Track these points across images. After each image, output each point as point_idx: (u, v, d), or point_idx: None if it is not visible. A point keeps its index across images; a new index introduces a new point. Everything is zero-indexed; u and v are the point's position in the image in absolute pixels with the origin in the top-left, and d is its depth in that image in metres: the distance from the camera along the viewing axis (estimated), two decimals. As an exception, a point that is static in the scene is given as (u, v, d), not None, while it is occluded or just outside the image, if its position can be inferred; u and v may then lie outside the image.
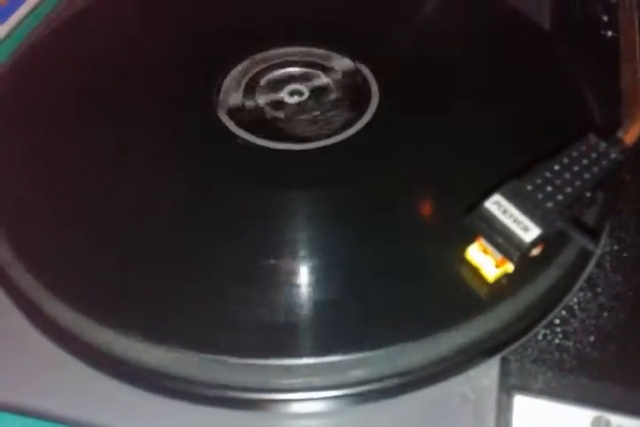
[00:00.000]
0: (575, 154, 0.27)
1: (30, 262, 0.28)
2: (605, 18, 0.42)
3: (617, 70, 0.34)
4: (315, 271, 0.28)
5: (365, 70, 0.36)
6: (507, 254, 0.25)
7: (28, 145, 0.33)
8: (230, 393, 0.25)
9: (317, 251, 0.28)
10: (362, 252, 0.28)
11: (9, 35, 0.42)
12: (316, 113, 0.34)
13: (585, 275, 0.30)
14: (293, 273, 0.27)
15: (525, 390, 0.26)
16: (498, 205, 0.26)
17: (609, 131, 0.30)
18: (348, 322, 0.26)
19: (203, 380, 0.26)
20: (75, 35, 0.39)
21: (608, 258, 0.30)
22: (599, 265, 0.30)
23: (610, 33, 0.41)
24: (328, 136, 0.33)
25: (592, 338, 0.28)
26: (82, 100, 0.35)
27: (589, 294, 0.29)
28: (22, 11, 0.43)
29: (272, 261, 0.28)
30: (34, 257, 0.28)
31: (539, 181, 0.26)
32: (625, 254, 0.30)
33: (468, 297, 0.27)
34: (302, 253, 0.28)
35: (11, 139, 0.34)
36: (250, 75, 0.36)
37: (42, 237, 0.29)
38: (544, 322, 0.28)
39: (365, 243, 0.29)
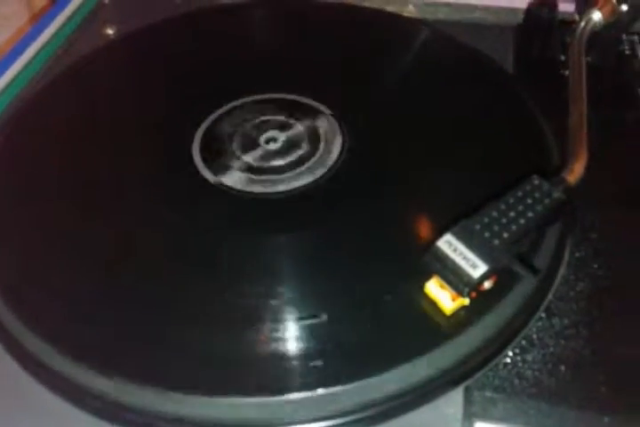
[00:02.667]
0: (520, 194, 0.29)
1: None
2: (563, 58, 0.44)
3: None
4: (278, 311, 0.30)
5: (330, 118, 0.39)
6: (458, 290, 0.28)
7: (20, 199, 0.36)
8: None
9: (288, 291, 0.30)
10: (328, 290, 0.31)
11: (2, 92, 0.45)
12: (289, 159, 0.37)
13: (543, 305, 0.32)
14: (264, 315, 0.30)
15: (486, 417, 0.28)
16: (449, 244, 0.28)
17: (563, 168, 0.32)
18: (312, 358, 0.28)
19: (188, 417, 0.28)
20: (65, 92, 0.43)
21: (565, 288, 0.32)
22: (556, 295, 0.32)
23: (567, 72, 0.44)
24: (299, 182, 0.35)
25: (550, 365, 0.29)
26: (72, 156, 0.38)
27: (547, 324, 0.31)
28: (16, 67, 0.46)
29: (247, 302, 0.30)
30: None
31: (486, 220, 0.29)
32: (581, 284, 0.32)
33: (430, 330, 0.29)
34: (261, 290, 0.30)
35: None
36: (228, 123, 0.39)
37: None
38: (505, 352, 0.30)
39: (331, 281, 0.31)
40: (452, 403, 0.29)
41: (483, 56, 0.44)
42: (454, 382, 0.29)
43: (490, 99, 0.41)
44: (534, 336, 0.31)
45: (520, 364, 0.30)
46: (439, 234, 0.29)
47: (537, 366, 0.29)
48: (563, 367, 0.29)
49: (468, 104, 0.40)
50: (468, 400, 0.29)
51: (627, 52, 0.45)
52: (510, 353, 0.30)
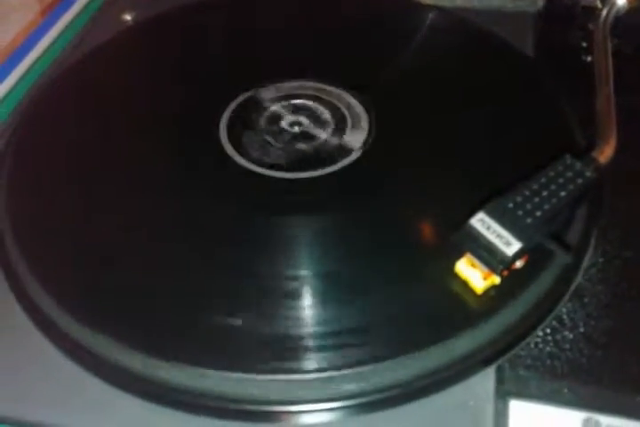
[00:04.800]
0: (552, 173, 0.29)
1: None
2: (585, 44, 0.44)
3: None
4: (313, 289, 0.30)
5: (356, 101, 0.39)
6: (491, 268, 0.28)
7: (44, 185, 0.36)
8: (239, 406, 0.27)
9: (315, 269, 0.31)
10: (359, 270, 0.31)
11: (8, 94, 0.44)
12: (315, 142, 0.37)
13: (573, 286, 0.32)
14: (291, 292, 0.30)
15: (520, 395, 0.28)
16: (482, 223, 0.28)
17: (589, 150, 0.32)
18: (348, 336, 0.28)
19: (212, 393, 0.28)
20: (75, 87, 0.42)
21: (594, 270, 0.32)
22: (585, 277, 0.32)
23: (590, 58, 0.44)
24: (329, 164, 0.35)
25: (581, 345, 0.29)
26: (88, 146, 0.38)
27: (577, 304, 0.31)
28: (20, 69, 0.46)
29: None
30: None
31: (519, 199, 0.29)
32: (609, 266, 0.32)
33: (461, 309, 0.29)
34: (300, 272, 0.30)
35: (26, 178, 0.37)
36: (250, 108, 0.39)
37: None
38: (536, 331, 0.30)
39: (363, 262, 0.31)
40: (484, 382, 0.29)
41: (502, 41, 0.44)
42: (486, 362, 0.29)
43: (513, 84, 0.41)
44: (565, 317, 0.31)
45: (552, 343, 0.30)
46: (470, 213, 0.29)
47: (568, 345, 0.29)
48: (594, 347, 0.29)
49: (490, 88, 0.40)
50: (500, 379, 0.29)
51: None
52: (541, 333, 0.30)
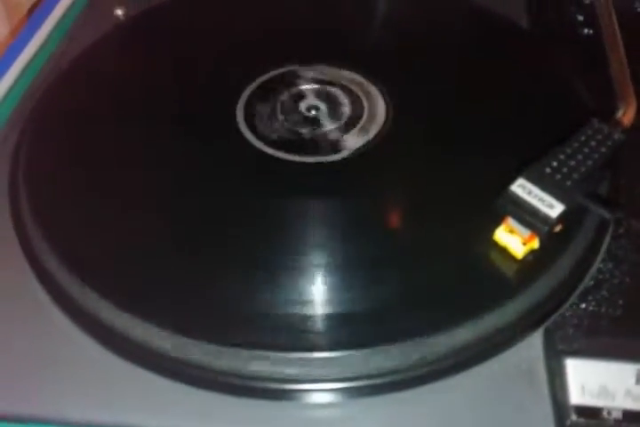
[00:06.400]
0: (583, 138, 0.30)
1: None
2: (580, 17, 0.45)
3: (598, 63, 0.37)
4: (355, 258, 0.30)
5: (367, 80, 0.39)
6: (536, 230, 0.28)
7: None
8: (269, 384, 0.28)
9: (355, 242, 0.31)
10: (404, 242, 0.31)
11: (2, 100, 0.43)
12: (334, 125, 0.37)
13: (604, 247, 0.32)
14: (332, 263, 0.30)
15: (573, 353, 0.28)
16: (523, 188, 0.29)
17: (603, 115, 0.33)
18: (401, 306, 0.29)
19: (225, 370, 0.28)
20: (81, 82, 0.41)
21: (622, 229, 0.33)
22: (615, 237, 0.33)
23: (586, 31, 0.45)
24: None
25: (620, 301, 0.30)
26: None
27: (611, 264, 0.32)
28: (8, 78, 0.44)
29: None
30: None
31: (555, 163, 0.29)
32: (636, 224, 0.33)
33: (507, 276, 0.30)
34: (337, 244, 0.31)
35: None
36: (266, 94, 0.39)
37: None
38: (576, 293, 0.31)
39: (411, 233, 0.31)
40: (532, 345, 0.29)
41: (501, 17, 0.45)
42: (534, 325, 0.30)
43: (517, 57, 0.42)
44: (602, 276, 0.31)
45: (593, 302, 0.30)
46: (502, 182, 0.29)
47: (611, 302, 0.30)
48: (632, 302, 0.30)
49: (497, 63, 0.41)
50: (550, 340, 0.29)
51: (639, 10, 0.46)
52: (583, 293, 0.31)
